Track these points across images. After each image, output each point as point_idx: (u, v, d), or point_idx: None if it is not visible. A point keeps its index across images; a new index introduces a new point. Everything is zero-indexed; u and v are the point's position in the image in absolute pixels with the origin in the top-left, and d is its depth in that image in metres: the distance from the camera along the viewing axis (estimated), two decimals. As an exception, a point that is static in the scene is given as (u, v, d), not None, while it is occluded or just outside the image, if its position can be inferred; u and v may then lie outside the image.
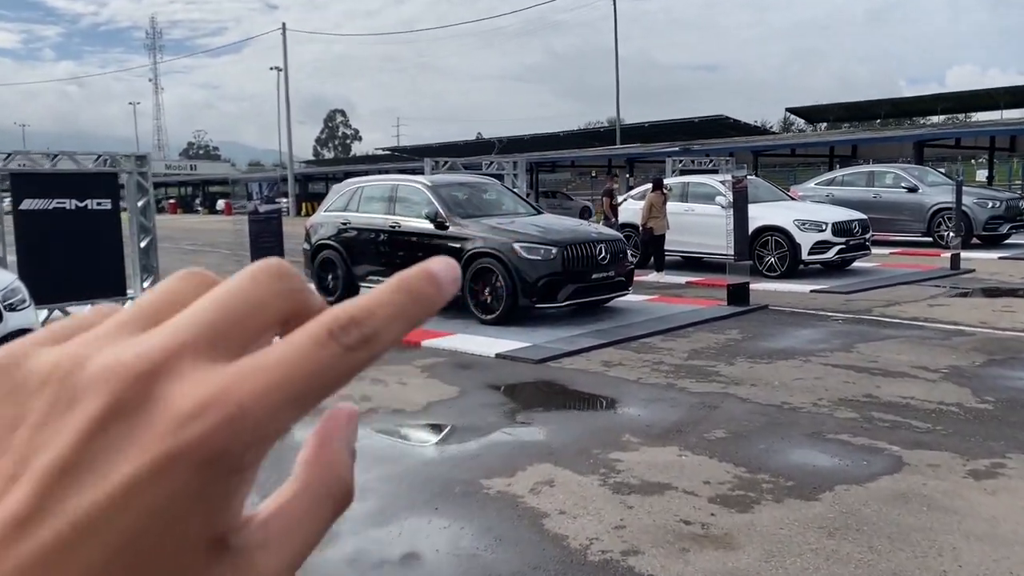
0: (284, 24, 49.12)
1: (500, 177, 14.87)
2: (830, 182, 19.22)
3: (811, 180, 20.08)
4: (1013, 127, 22.58)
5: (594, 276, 9.19)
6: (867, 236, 13.45)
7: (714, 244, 13.88)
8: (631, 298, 10.98)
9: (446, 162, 14.36)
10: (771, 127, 73.25)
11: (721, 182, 14.30)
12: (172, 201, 71.47)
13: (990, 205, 16.62)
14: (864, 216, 13.65)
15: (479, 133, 67.67)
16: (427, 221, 9.71)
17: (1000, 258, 15.12)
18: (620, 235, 9.79)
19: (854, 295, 11.15)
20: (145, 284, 10.48)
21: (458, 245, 9.45)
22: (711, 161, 19.16)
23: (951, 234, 16.39)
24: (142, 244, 10.28)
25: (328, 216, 11.23)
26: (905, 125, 41.42)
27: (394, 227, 10.19)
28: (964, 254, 15.10)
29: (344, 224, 10.89)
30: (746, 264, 10.55)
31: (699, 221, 14.22)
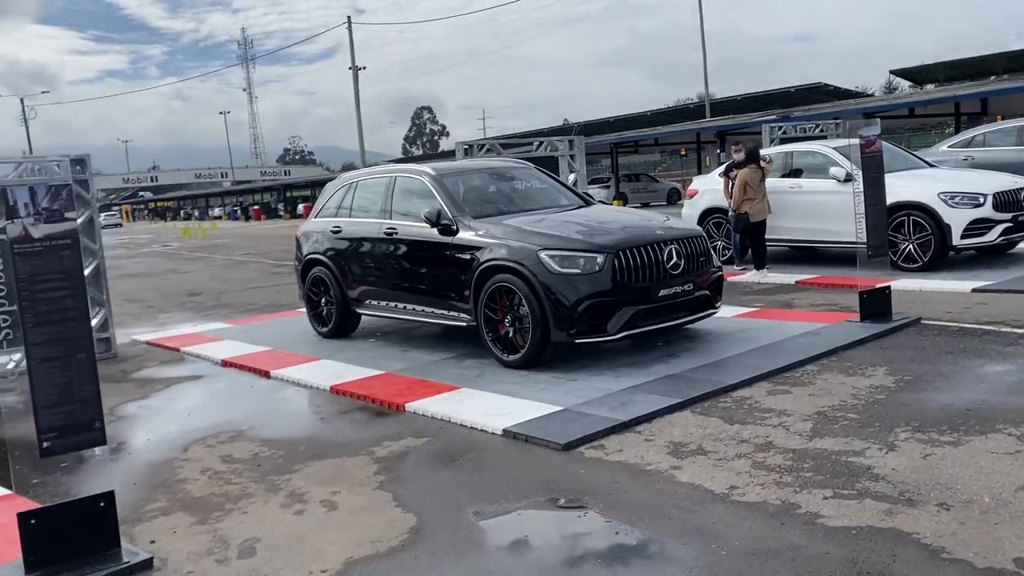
0: (349, 18, 47.47)
1: (553, 160, 12.15)
2: (968, 143, 15.59)
3: (942, 143, 16.45)
4: None
5: (662, 293, 6.35)
6: (1041, 209, 10.06)
7: (830, 229, 10.78)
8: (720, 314, 8.06)
9: (481, 145, 11.70)
10: (872, 93, 67.37)
11: (836, 149, 11.12)
12: (256, 207, 71.49)
13: None
14: (1035, 183, 10.25)
15: (565, 119, 64.77)
16: (428, 224, 7.06)
17: None
18: (699, 230, 6.88)
19: (1040, 295, 7.91)
20: (94, 319, 8.27)
21: (468, 256, 6.77)
22: (817, 127, 15.84)
23: None
24: (86, 271, 8.04)
25: (319, 222, 8.74)
26: (1036, 76, 36.25)
27: (390, 233, 7.59)
28: None
29: (335, 231, 8.36)
30: (885, 254, 7.46)
31: (809, 201, 11.09)
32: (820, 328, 7.07)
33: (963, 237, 9.57)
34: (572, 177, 12.71)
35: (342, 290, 8.21)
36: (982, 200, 9.57)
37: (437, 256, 7.09)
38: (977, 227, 9.57)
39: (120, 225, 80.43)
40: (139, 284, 16.98)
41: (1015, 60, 38.64)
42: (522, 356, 6.38)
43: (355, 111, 47.64)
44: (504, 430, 4.95)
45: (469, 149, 11.42)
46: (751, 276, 10.66)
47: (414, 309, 7.47)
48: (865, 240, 7.24)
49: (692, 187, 13.20)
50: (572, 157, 12.47)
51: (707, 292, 6.76)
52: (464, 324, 6.93)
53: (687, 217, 12.98)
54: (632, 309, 6.23)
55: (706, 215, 12.37)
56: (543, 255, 6.24)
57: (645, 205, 34.01)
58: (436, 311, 7.22)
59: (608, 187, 35.94)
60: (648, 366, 6.21)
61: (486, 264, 6.56)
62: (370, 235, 7.84)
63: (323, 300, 8.50)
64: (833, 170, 10.72)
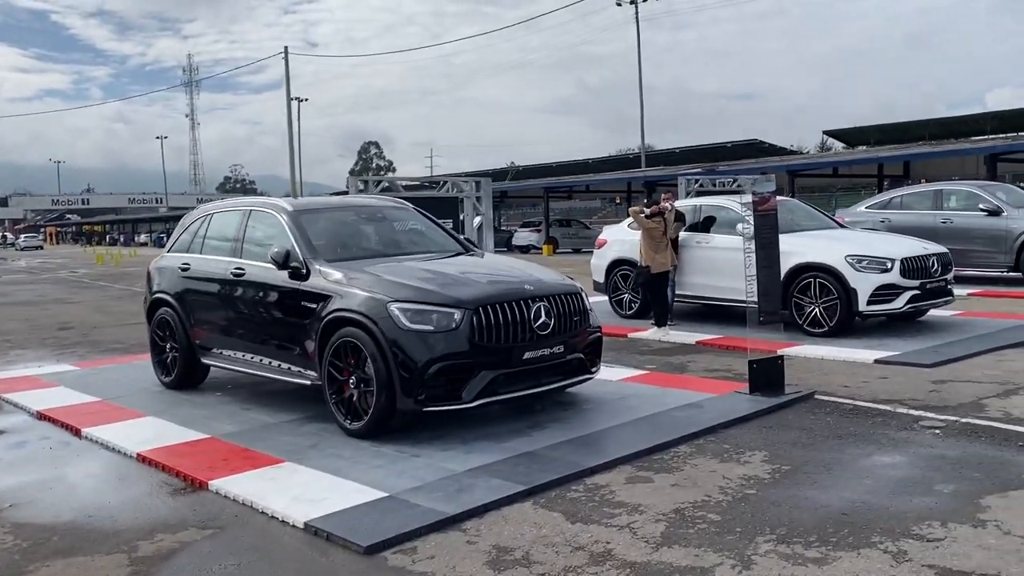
0: (286, 48, 46.58)
1: (454, 201, 11.47)
2: (886, 204, 15.49)
3: (861, 203, 16.33)
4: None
5: (528, 355, 5.63)
6: (948, 276, 9.71)
7: (736, 287, 10.22)
8: (605, 376, 7.39)
9: (378, 183, 10.94)
10: (807, 151, 69.10)
11: (742, 204, 10.67)
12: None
13: (1103, 231, 12.76)
14: (943, 249, 9.92)
15: (512, 162, 64.95)
16: (275, 266, 6.25)
17: None
18: (575, 286, 6.21)
19: (943, 369, 7.44)
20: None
21: (316, 305, 5.96)
22: (734, 181, 15.54)
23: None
24: None
25: (170, 258, 7.84)
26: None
27: (238, 274, 6.75)
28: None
29: (184, 269, 7.48)
30: (778, 321, 6.88)
31: (716, 256, 10.59)
32: (706, 400, 6.42)
33: (870, 303, 9.14)
34: (478, 220, 12.06)
35: (187, 336, 7.30)
36: (889, 265, 9.17)
37: (284, 303, 6.26)
38: (884, 293, 9.14)
39: (41, 248, 77.24)
40: (12, 314, 15.64)
41: (943, 126, 39.90)
42: (365, 424, 5.56)
43: (290, 141, 46.59)
44: (306, 523, 4.12)
45: (365, 186, 10.67)
46: (652, 333, 10.06)
47: (260, 362, 6.61)
48: (758, 307, 6.65)
49: (601, 237, 12.66)
50: (479, 199, 11.81)
51: (581, 355, 6.07)
52: (310, 383, 6.10)
53: (595, 268, 12.43)
54: (492, 373, 5.49)
55: (613, 267, 11.81)
56: (393, 308, 5.47)
57: (576, 251, 33.62)
58: (282, 365, 6.38)
59: (539, 231, 35.53)
60: (506, 439, 5.46)
61: (332, 315, 5.77)
62: (218, 275, 6.98)
63: (168, 346, 7.56)
64: (740, 226, 10.24)
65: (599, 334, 6.40)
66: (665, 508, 4.21)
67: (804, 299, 9.53)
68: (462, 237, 7.44)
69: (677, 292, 11.01)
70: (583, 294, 6.21)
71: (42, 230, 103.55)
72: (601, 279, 12.16)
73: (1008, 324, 9.66)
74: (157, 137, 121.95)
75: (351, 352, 5.63)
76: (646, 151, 54.15)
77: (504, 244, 37.97)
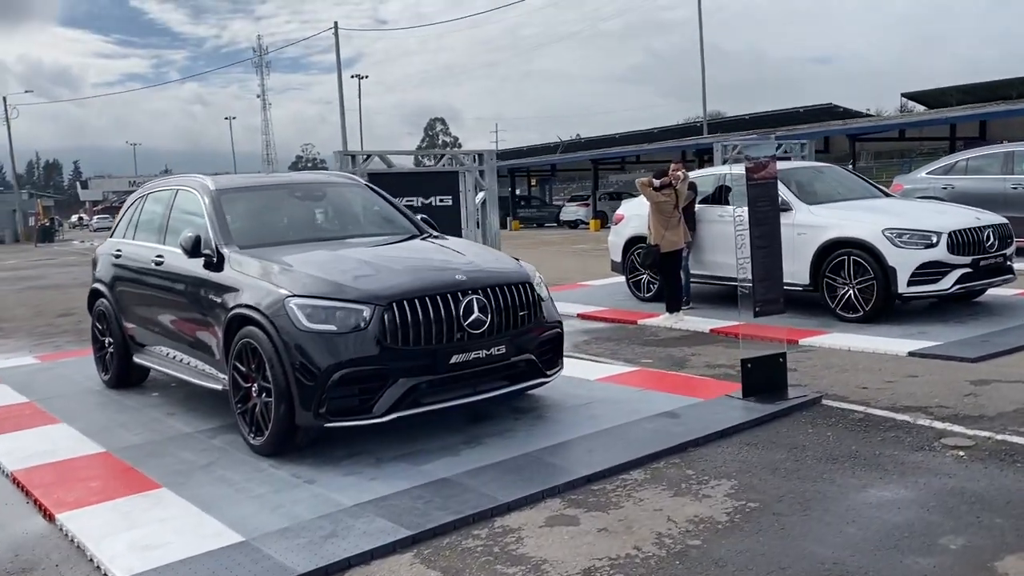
0: (336, 23, 46.07)
1: (454, 176, 10.54)
2: (949, 169, 13.90)
3: (922, 168, 14.76)
4: None
5: (457, 359, 4.71)
6: (1008, 251, 8.35)
7: (761, 267, 9.11)
8: (581, 374, 6.43)
9: (367, 155, 10.09)
10: (886, 115, 65.48)
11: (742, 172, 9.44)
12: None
13: None
14: (1002, 219, 8.54)
15: (577, 134, 63.52)
16: (184, 253, 5.47)
17: None
18: (523, 273, 5.21)
19: (989, 364, 6.23)
20: None
21: (221, 299, 5.16)
22: (779, 146, 14.16)
23: None
24: None
25: (109, 243, 7.16)
26: (1046, 101, 34.42)
27: (159, 262, 6.00)
28: None
29: (116, 255, 6.80)
30: (777, 312, 5.77)
31: (737, 232, 9.40)
32: (688, 407, 5.40)
33: (910, 284, 7.89)
34: (481, 196, 11.10)
35: (121, 330, 6.62)
36: (935, 240, 7.89)
37: (196, 295, 5.48)
38: (928, 272, 7.88)
39: (113, 228, 79.25)
40: (29, 299, 15.45)
41: (1025, 85, 36.97)
42: (266, 440, 4.75)
43: (341, 117, 46.25)
44: (115, 585, 3.32)
45: (352, 158, 9.87)
46: (663, 320, 9.00)
47: (180, 362, 5.87)
48: (753, 294, 5.57)
49: (619, 212, 11.57)
50: (481, 174, 10.88)
51: (532, 356, 5.12)
52: (221, 388, 5.31)
53: (612, 246, 11.38)
54: (412, 381, 4.60)
55: (631, 245, 10.74)
56: (291, 304, 4.61)
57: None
58: (199, 367, 5.62)
59: (587, 205, 34.34)
60: (429, 459, 4.58)
61: (233, 311, 4.95)
62: (142, 263, 6.26)
63: (106, 340, 6.90)
64: (766, 197, 9.04)
65: (558, 330, 5.42)
66: (574, 567, 3.27)
67: (837, 279, 8.34)
68: (419, 217, 6.52)
69: (694, 272, 9.91)
70: (533, 283, 5.23)
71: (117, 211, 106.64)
72: (619, 258, 11.11)
73: (1081, 306, 8.28)
74: (226, 118, 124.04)
75: (252, 355, 4.81)
76: (716, 119, 51.86)
77: (554, 219, 36.93)
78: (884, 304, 8.04)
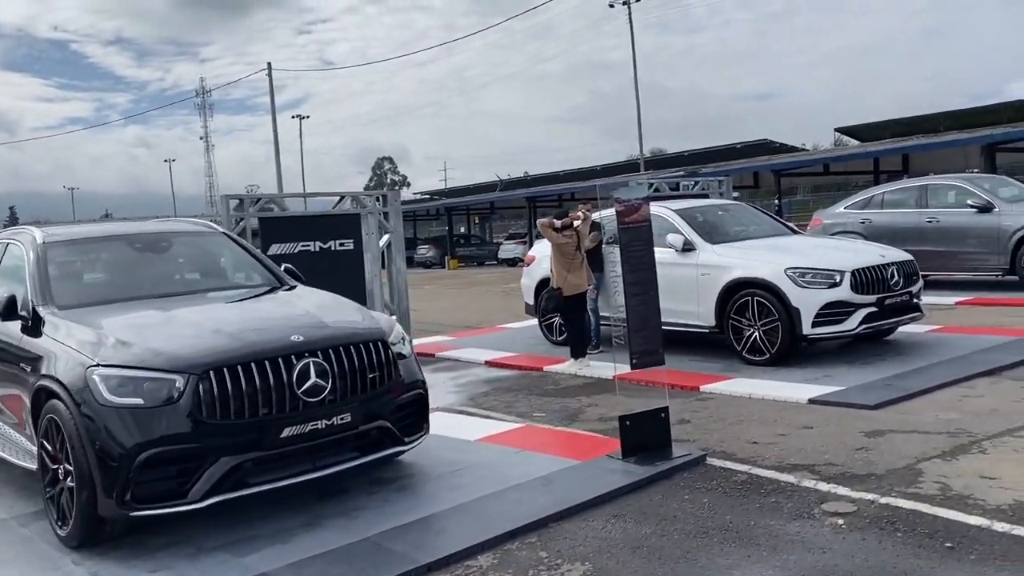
0: (269, 64, 45.60)
1: (355, 218, 10.05)
2: (867, 203, 13.88)
3: (840, 203, 14.74)
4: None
5: (289, 432, 4.19)
6: (914, 288, 8.15)
7: (668, 307, 8.77)
8: (462, 434, 5.96)
9: (256, 199, 9.54)
10: (821, 149, 67.04)
11: (677, 212, 9.18)
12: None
13: (1107, 226, 11.10)
14: (907, 256, 8.35)
15: (526, 172, 64.26)
16: (3, 316, 4.88)
17: None
18: (376, 330, 4.73)
19: (889, 411, 5.91)
20: None
21: (30, 368, 4.58)
22: (696, 184, 14.01)
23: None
24: None
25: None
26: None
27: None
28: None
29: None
30: (656, 364, 5.37)
31: (610, 279, 9.09)
32: (563, 471, 4.95)
33: (815, 324, 7.60)
34: (386, 239, 10.64)
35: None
36: (838, 279, 7.64)
37: (11, 363, 4.87)
38: (832, 312, 7.61)
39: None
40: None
41: (960, 118, 38.10)
42: (71, 532, 4.16)
43: (276, 157, 45.54)
44: None
45: (241, 202, 9.33)
46: (568, 366, 8.58)
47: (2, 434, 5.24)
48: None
49: (530, 253, 11.21)
50: (385, 215, 10.41)
51: (387, 423, 4.62)
52: (35, 468, 4.70)
53: (524, 288, 11.00)
54: (235, 459, 4.07)
55: (543, 286, 10.33)
56: (94, 375, 4.06)
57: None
58: (18, 443, 4.99)
59: (524, 243, 34.10)
60: (253, 548, 4.04)
61: (39, 383, 4.38)
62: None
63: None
64: (671, 237, 8.76)
65: (420, 391, 4.94)
66: None
67: (743, 321, 8.03)
68: (283, 267, 6.01)
69: (604, 314, 9.53)
70: (388, 340, 4.76)
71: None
72: (531, 300, 10.71)
73: (988, 343, 8.08)
74: (165, 160, 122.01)
75: (57, 433, 4.23)
76: (657, 156, 52.31)
77: (494, 257, 36.62)
78: (790, 346, 7.74)
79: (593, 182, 31.76)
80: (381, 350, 4.66)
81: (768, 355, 7.82)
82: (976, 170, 17.91)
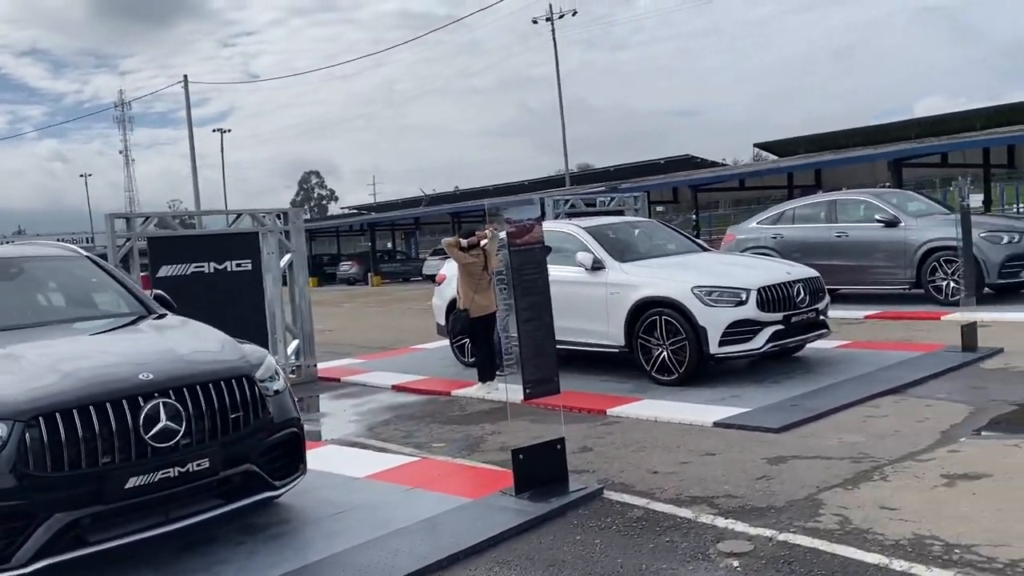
0: (186, 76, 44.18)
1: (253, 237, 9.55)
2: (778, 219, 14.01)
3: (752, 218, 14.84)
4: (1013, 135, 17.57)
5: (136, 483, 3.74)
6: (820, 305, 8.10)
7: (576, 327, 8.56)
8: (357, 469, 5.59)
9: (145, 217, 8.98)
10: (742, 164, 68.74)
11: (586, 230, 8.99)
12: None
13: (1005, 240, 11.37)
14: (813, 272, 8.32)
15: (456, 186, 64.40)
16: None
17: (1033, 321, 9.80)
18: (240, 365, 4.30)
19: (792, 434, 5.76)
20: None
21: None
22: (612, 200, 13.93)
23: (955, 285, 11.18)
24: None
25: None
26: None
27: None
28: (976, 315, 9.86)
29: None
30: (550, 393, 5.10)
31: (555, 293, 8.84)
32: (454, 510, 4.61)
33: (722, 343, 7.47)
34: (287, 258, 10.16)
35: None
36: (744, 296, 7.52)
37: None
38: (739, 331, 7.48)
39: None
40: None
41: (871, 135, 39.44)
42: None
43: (193, 171, 44.15)
44: None
45: (128, 221, 8.74)
46: (476, 390, 8.26)
47: None
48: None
49: (442, 271, 10.88)
50: (286, 234, 9.95)
51: (253, 467, 4.21)
52: None
53: (436, 309, 10.66)
54: (70, 515, 3.61)
55: (454, 306, 10.00)
56: None
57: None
58: None
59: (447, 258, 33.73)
60: (93, 617, 3.57)
61: None
62: None
63: None
64: (580, 255, 8.55)
65: (294, 430, 4.54)
66: None
67: (651, 340, 7.85)
68: (153, 294, 5.54)
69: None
70: (255, 376, 4.35)
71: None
72: (443, 321, 10.36)
73: (894, 358, 8.09)
74: (81, 175, 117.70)
75: None
76: (584, 171, 52.71)
77: (419, 273, 36.12)
78: (698, 365, 7.59)
79: (504, 199, 31.69)
80: (246, 387, 4.25)
81: (677, 375, 7.65)
82: (887, 184, 18.33)
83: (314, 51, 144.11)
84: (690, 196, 22.05)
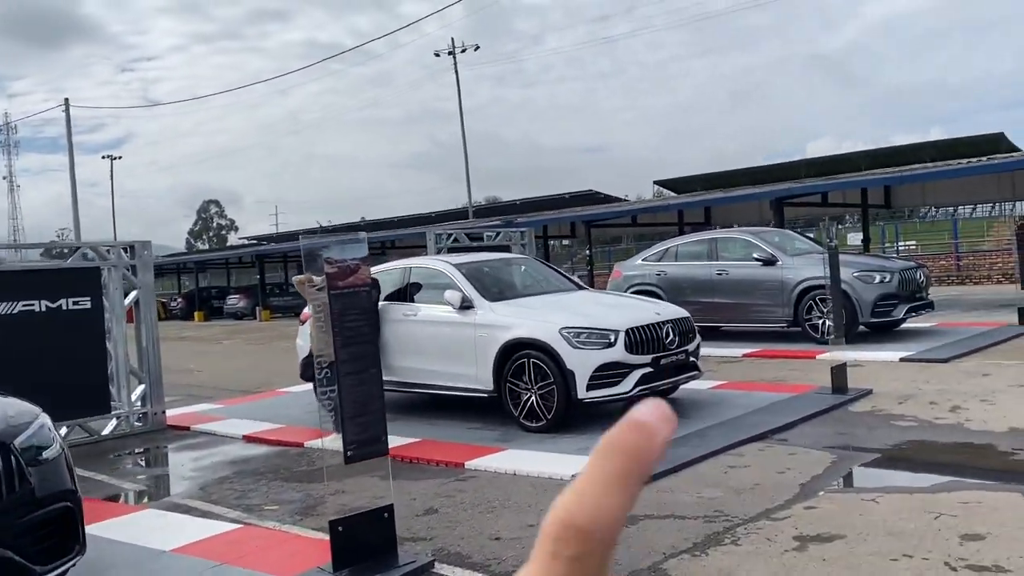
0: (67, 100, 41.96)
1: (94, 272, 8.71)
2: (662, 256, 13.94)
3: (638, 255, 14.76)
4: (885, 176, 18.21)
5: None
6: (690, 347, 7.87)
7: (443, 371, 8.11)
8: (167, 539, 4.92)
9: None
10: (645, 199, 70.30)
11: (456, 267, 8.55)
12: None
13: (878, 279, 11.52)
14: (684, 313, 8.08)
15: (363, 217, 63.45)
16: None
17: (904, 360, 9.88)
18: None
19: (649, 487, 5.39)
20: None
21: None
22: (497, 235, 13.59)
23: (831, 324, 11.25)
24: None
25: None
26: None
27: None
28: (850, 354, 9.88)
29: None
30: (378, 455, 4.59)
31: (420, 332, 8.39)
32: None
33: (590, 387, 7.12)
34: (133, 295, 9.33)
35: None
36: (612, 338, 7.21)
37: None
38: (607, 374, 7.16)
39: None
40: None
41: (761, 174, 40.84)
42: None
43: (74, 199, 41.77)
44: None
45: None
46: (331, 441, 7.62)
47: None
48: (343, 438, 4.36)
49: (305, 311, 10.22)
50: (132, 268, 9.14)
51: (8, 553, 3.53)
52: None
53: (299, 350, 9.97)
54: None
55: (307, 361, 9.38)
56: None
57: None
58: None
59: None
60: None
61: None
62: None
63: None
64: (448, 294, 8.10)
65: (67, 504, 3.88)
66: None
67: (519, 384, 7.44)
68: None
69: (389, 380, 8.69)
70: (12, 444, 3.68)
71: None
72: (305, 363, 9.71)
73: (766, 400, 7.92)
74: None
75: None
76: (492, 204, 52.61)
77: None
78: (567, 411, 7.21)
79: (327, 239, 31.18)
80: (8, 457, 3.58)
81: (545, 421, 7.25)
82: (772, 223, 18.68)
83: (217, 79, 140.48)
84: (583, 231, 22.04)
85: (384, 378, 8.73)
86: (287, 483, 6.44)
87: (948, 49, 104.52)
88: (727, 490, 5.23)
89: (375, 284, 8.70)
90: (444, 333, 8.13)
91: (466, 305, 8.00)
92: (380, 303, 8.77)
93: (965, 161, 18.10)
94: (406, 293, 8.82)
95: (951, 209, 36.14)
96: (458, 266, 8.54)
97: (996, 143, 32.15)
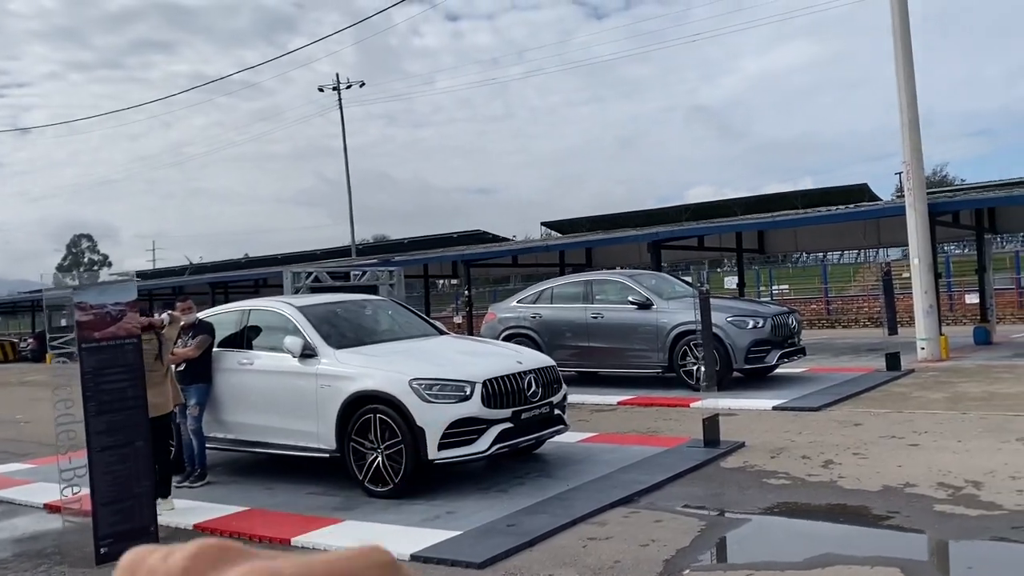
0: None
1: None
2: (537, 298, 13.41)
3: (513, 297, 14.19)
4: (759, 221, 18.45)
5: None
6: (555, 399, 7.24)
7: (285, 427, 7.18)
8: None
9: None
10: (533, 240, 70.88)
11: (299, 309, 7.68)
12: None
13: (751, 325, 11.30)
14: (549, 362, 7.45)
15: (246, 254, 61.06)
16: None
17: (776, 408, 9.60)
18: None
19: (494, 568, 4.68)
20: None
21: None
22: (363, 274, 12.74)
23: (701, 369, 10.89)
24: None
25: None
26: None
27: None
28: (723, 401, 9.51)
29: None
30: (147, 540, 3.72)
31: (256, 383, 7.45)
32: None
33: (442, 447, 6.36)
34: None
35: None
36: (468, 391, 6.50)
37: None
38: (461, 431, 6.43)
39: None
40: None
41: (648, 217, 41.60)
42: None
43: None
44: None
45: None
46: (160, 507, 6.56)
47: None
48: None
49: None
50: (42, 307, 7.86)
51: None
52: None
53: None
54: None
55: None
56: None
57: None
58: None
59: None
60: None
61: None
62: None
63: None
64: (288, 341, 7.21)
65: None
66: None
67: (364, 443, 6.61)
68: None
69: (213, 435, 7.68)
70: None
71: None
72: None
73: (637, 455, 7.37)
74: None
75: None
76: (380, 242, 51.54)
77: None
78: (415, 473, 6.42)
79: (273, 268, 29.83)
80: None
81: (392, 485, 6.44)
82: (650, 266, 18.57)
83: (96, 108, 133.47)
84: (462, 271, 21.42)
85: (217, 435, 7.81)
86: (73, 569, 5.36)
87: (818, 105, 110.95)
88: (583, 570, 4.56)
89: (208, 329, 7.75)
90: (282, 384, 7.23)
91: (308, 353, 7.13)
92: (214, 349, 7.80)
93: (834, 208, 18.58)
94: (243, 338, 7.86)
95: (821, 255, 37.75)
96: (302, 308, 7.67)
97: (861, 193, 33.82)
